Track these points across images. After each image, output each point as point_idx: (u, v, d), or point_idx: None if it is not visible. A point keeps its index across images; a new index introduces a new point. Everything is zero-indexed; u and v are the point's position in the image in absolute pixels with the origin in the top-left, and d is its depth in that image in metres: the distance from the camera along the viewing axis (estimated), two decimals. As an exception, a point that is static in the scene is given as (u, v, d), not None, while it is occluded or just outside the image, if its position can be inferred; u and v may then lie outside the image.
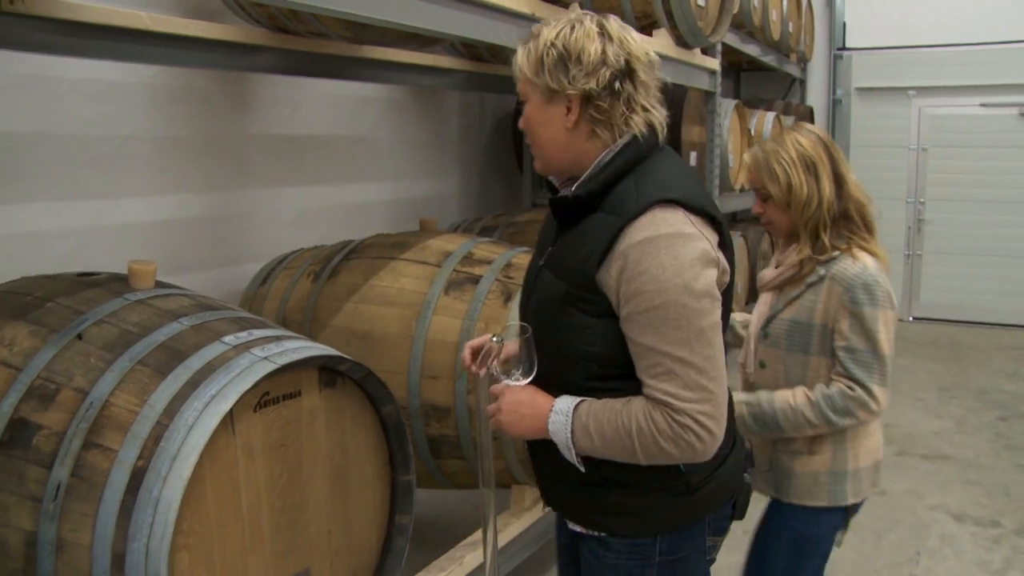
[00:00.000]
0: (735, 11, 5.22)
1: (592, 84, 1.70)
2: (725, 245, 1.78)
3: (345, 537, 2.40)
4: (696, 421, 1.66)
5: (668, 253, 1.64)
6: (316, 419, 2.26)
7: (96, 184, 3.67)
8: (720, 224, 1.77)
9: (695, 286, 1.65)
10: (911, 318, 9.16)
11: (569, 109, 1.73)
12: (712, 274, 1.70)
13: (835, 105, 9.61)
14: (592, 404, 1.74)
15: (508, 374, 1.82)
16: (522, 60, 1.78)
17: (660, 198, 1.69)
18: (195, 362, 2.07)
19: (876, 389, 2.31)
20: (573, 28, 1.72)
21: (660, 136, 1.80)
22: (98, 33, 2.98)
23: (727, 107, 6.24)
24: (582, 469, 1.80)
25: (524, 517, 3.49)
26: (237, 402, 1.99)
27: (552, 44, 1.72)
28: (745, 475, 1.96)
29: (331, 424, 2.31)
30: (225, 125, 4.21)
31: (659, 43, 4.42)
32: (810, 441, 2.41)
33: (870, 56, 9.40)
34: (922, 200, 9.13)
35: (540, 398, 1.80)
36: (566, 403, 1.77)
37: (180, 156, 4.00)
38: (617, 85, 1.71)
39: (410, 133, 5.40)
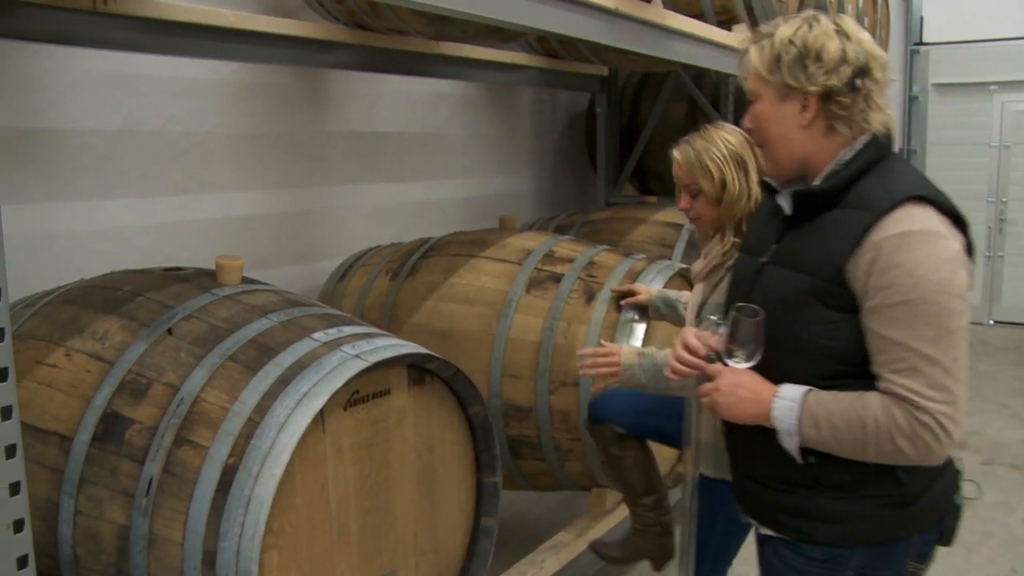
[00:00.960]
0: (814, 6, 5.08)
1: (833, 81, 1.71)
2: (970, 248, 1.76)
3: (431, 538, 2.35)
4: (937, 421, 1.62)
5: (923, 250, 1.64)
6: (404, 418, 2.22)
7: (178, 180, 3.68)
8: (967, 227, 1.75)
9: (950, 285, 1.63)
10: (991, 321, 8.87)
11: (804, 107, 1.75)
12: (964, 276, 1.68)
13: (911, 102, 9.36)
14: (821, 394, 1.71)
15: (729, 355, 1.79)
16: (756, 58, 1.79)
17: (912, 195, 1.68)
18: (285, 359, 2.03)
19: None
20: (811, 26, 1.74)
21: (892, 136, 1.82)
22: (184, 31, 2.98)
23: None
24: (800, 460, 1.75)
25: (604, 521, 3.42)
26: (328, 400, 1.95)
27: (790, 42, 1.74)
28: (956, 496, 1.87)
29: (419, 423, 2.27)
30: (302, 121, 4.21)
31: (737, 38, 4.31)
32: None
33: (949, 51, 9.14)
34: (1004, 199, 8.84)
35: (762, 383, 1.77)
36: (793, 390, 1.73)
37: (259, 152, 4.00)
38: (858, 82, 1.73)
39: (483, 130, 5.35)
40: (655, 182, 5.77)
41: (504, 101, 5.52)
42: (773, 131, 1.79)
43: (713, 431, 2.49)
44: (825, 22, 1.75)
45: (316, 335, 2.12)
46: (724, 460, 2.41)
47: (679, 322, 3.00)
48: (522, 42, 4.95)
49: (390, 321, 3.48)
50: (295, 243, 4.20)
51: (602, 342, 2.49)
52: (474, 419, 2.42)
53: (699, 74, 5.54)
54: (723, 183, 2.37)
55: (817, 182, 1.78)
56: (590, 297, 3.17)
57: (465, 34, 3.53)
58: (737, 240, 2.38)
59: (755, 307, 1.76)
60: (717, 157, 2.38)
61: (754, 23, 4.45)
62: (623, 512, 3.55)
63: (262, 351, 2.06)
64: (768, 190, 1.93)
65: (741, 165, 2.38)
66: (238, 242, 3.93)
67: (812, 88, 1.72)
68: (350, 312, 3.65)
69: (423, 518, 2.32)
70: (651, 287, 3.12)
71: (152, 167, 3.57)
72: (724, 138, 2.41)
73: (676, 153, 2.48)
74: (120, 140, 3.45)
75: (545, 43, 4.87)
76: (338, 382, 1.95)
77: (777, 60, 1.75)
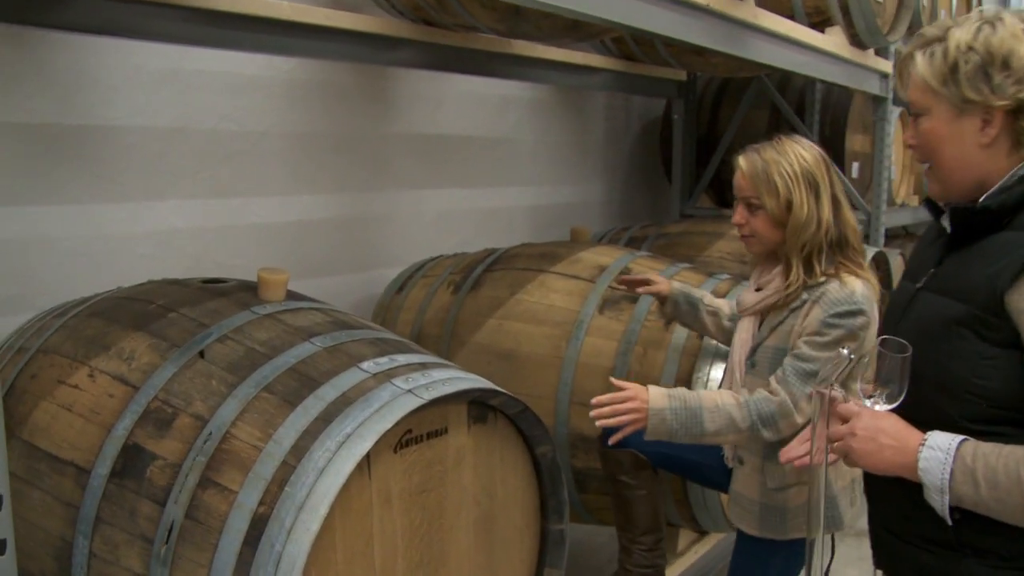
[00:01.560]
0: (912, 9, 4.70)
1: None
2: None
3: (488, 594, 2.07)
4: None
5: None
6: (463, 460, 1.94)
7: (230, 182, 3.46)
8: None
9: None
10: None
11: (986, 122, 1.50)
12: None
13: None
14: (980, 446, 1.43)
15: (867, 395, 1.55)
16: (923, 68, 1.54)
17: None
18: (328, 391, 1.76)
19: (805, 404, 2.10)
20: (994, 27, 1.49)
21: None
22: (239, 23, 2.74)
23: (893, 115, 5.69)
24: (949, 521, 1.46)
25: (676, 563, 3.11)
26: (375, 442, 1.67)
27: (970, 48, 1.49)
28: None
29: (479, 466, 1.98)
30: (363, 122, 3.96)
31: (832, 41, 3.96)
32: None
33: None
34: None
35: (906, 429, 1.50)
36: (944, 439, 1.46)
37: (316, 154, 3.76)
38: None
39: (554, 136, 5.06)
40: (732, 194, 5.42)
41: (576, 106, 5.22)
42: (946, 151, 1.54)
43: (756, 486, 2.23)
44: (1011, 22, 1.48)
45: (365, 365, 1.85)
46: (770, 516, 2.21)
47: (697, 326, 2.69)
48: (596, 43, 4.67)
49: (451, 339, 3.21)
50: (351, 250, 3.95)
51: (617, 382, 2.17)
52: (541, 460, 2.13)
53: (783, 80, 5.20)
54: (789, 203, 2.14)
55: (984, 198, 1.50)
56: (670, 320, 2.86)
57: (540, 31, 3.25)
58: (807, 279, 2.16)
59: (902, 342, 1.50)
60: (787, 173, 2.14)
61: (849, 25, 4.10)
62: (696, 555, 3.24)
63: (303, 382, 1.80)
64: (933, 210, 1.66)
65: (812, 187, 2.15)
66: (291, 248, 3.69)
67: (999, 102, 1.46)
68: (408, 327, 3.38)
69: (479, 571, 2.03)
70: (672, 280, 2.78)
71: (203, 168, 3.35)
72: (799, 153, 2.17)
73: (741, 161, 2.24)
74: (171, 139, 3.24)
75: (622, 44, 4.58)
76: (387, 422, 1.67)
77: (953, 69, 1.49)
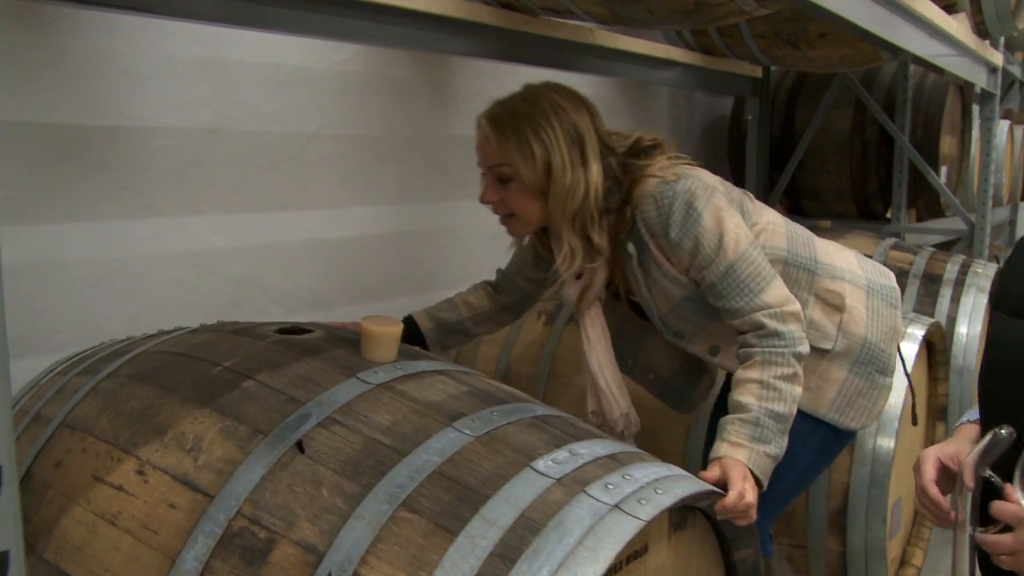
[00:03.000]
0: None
1: None
2: None
3: None
4: None
5: None
6: (665, 588, 1.37)
7: (276, 192, 2.88)
8: None
9: None
10: None
11: None
12: None
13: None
14: None
15: None
16: None
17: None
18: (501, 510, 1.18)
19: (770, 295, 1.73)
20: None
21: None
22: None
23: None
24: None
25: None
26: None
27: None
28: None
29: (679, 591, 1.41)
30: (423, 123, 3.38)
31: (956, 28, 3.41)
32: None
33: None
34: None
35: None
36: None
37: (372, 159, 3.18)
38: None
39: (619, 137, 4.50)
40: (809, 201, 4.86)
41: (640, 105, 4.65)
42: None
43: None
44: None
45: (540, 464, 1.27)
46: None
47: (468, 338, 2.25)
48: (672, 35, 4.12)
49: (548, 379, 2.63)
50: (413, 269, 3.37)
51: (707, 474, 1.60)
52: (739, 566, 1.57)
53: (867, 77, 4.64)
54: (548, 167, 1.71)
55: None
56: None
57: (651, 15, 2.65)
58: (587, 246, 1.78)
59: None
60: (543, 128, 1.71)
61: (976, 12, 3.55)
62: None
63: (459, 494, 1.22)
64: None
65: (576, 141, 1.73)
66: (345, 268, 3.12)
67: None
68: (492, 364, 2.81)
69: None
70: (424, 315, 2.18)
71: (245, 176, 2.77)
72: (555, 102, 1.75)
73: (484, 120, 1.81)
74: (208, 142, 2.66)
75: (703, 36, 4.02)
76: (600, 562, 1.10)
77: None
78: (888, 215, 4.71)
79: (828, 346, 1.86)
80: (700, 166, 1.87)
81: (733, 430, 1.66)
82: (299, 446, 1.31)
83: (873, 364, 1.90)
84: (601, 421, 1.92)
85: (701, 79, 4.20)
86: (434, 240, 3.46)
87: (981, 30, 3.62)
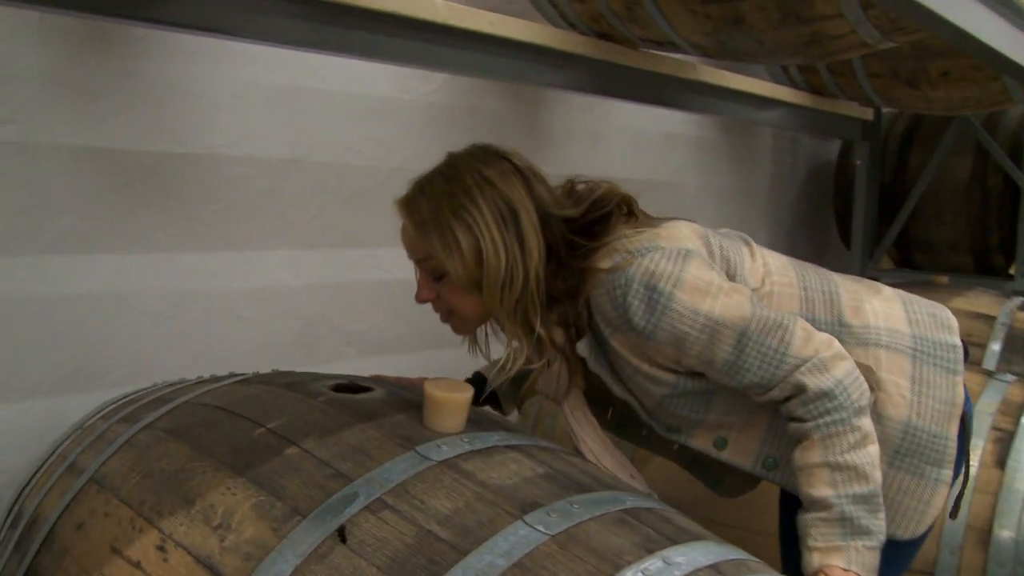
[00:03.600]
0: None
1: None
2: None
3: None
4: None
5: None
6: None
7: (353, 227, 2.71)
8: None
9: None
10: None
11: None
12: None
13: None
14: None
15: None
16: None
17: None
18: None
19: (800, 348, 1.40)
20: None
21: None
22: (378, 24, 2.01)
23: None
24: None
25: None
26: None
27: None
28: None
29: None
30: (512, 159, 3.19)
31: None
32: None
33: None
34: None
35: None
36: None
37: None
38: None
39: (720, 180, 4.23)
40: (921, 254, 4.51)
41: (741, 147, 4.38)
42: None
43: None
44: None
45: (631, 573, 1.03)
46: None
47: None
48: (778, 71, 3.86)
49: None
50: (493, 314, 3.17)
51: None
52: None
53: (991, 120, 4.29)
54: (478, 255, 1.41)
55: None
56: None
57: (760, 48, 2.42)
58: (534, 339, 1.45)
59: None
60: (468, 210, 1.41)
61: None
62: None
63: (527, 612, 0.99)
64: None
65: (509, 220, 1.42)
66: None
67: None
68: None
69: None
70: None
71: (321, 210, 2.61)
72: (480, 175, 1.45)
73: (399, 207, 1.51)
74: (283, 173, 2.50)
75: (811, 75, 3.75)
76: None
77: None
78: (1011, 271, 4.32)
79: None
80: (674, 219, 1.57)
81: (819, 534, 1.37)
82: (341, 533, 1.09)
83: (921, 455, 1.51)
84: None
85: (807, 120, 3.92)
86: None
87: None
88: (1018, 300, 3.46)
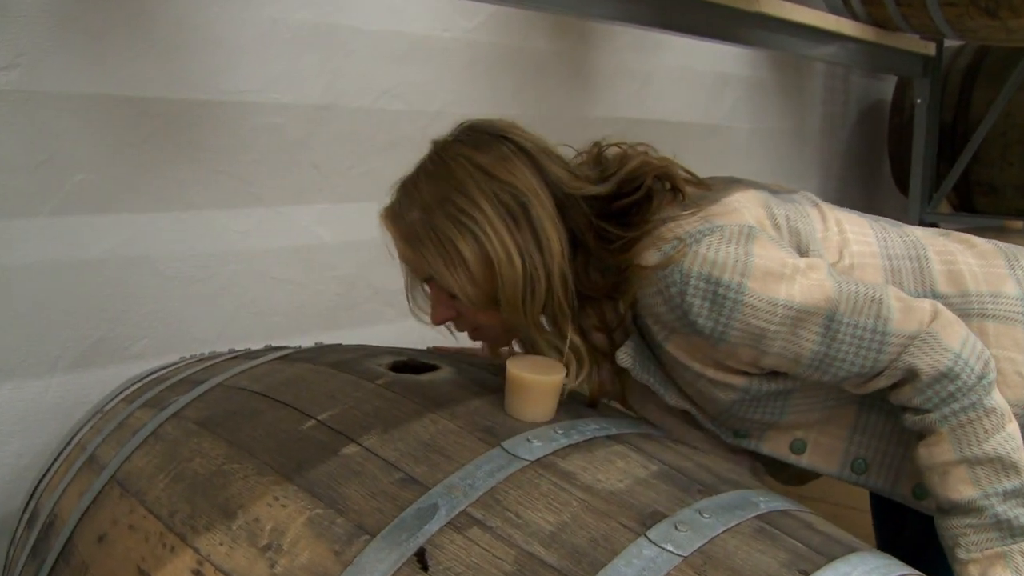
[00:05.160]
0: None
1: None
2: None
3: None
4: None
5: None
6: None
7: (393, 178, 2.43)
8: None
9: None
10: None
11: None
12: None
13: None
14: None
15: None
16: None
17: None
18: None
19: (902, 322, 1.12)
20: None
21: None
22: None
23: None
24: None
25: None
26: None
27: None
28: None
29: None
30: (561, 103, 2.92)
31: None
32: None
33: None
34: None
35: None
36: None
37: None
38: None
39: (771, 122, 3.94)
40: (983, 197, 4.20)
41: (794, 87, 4.08)
42: None
43: None
44: None
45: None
46: None
47: None
48: (839, 5, 3.55)
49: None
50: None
51: None
52: None
53: (1061, 53, 3.96)
54: (487, 262, 1.14)
55: None
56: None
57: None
58: (588, 342, 1.19)
59: None
60: (466, 212, 1.14)
61: None
62: None
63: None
64: None
65: (519, 213, 1.15)
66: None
67: None
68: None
69: None
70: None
71: (359, 160, 2.36)
72: (473, 164, 1.17)
73: (386, 223, 1.27)
74: (317, 120, 2.25)
75: (874, 7, 3.44)
76: None
77: None
78: (1083, 215, 4.03)
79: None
80: (728, 185, 1.27)
81: (972, 543, 1.10)
82: (420, 559, 0.86)
83: None
84: None
85: (866, 55, 3.61)
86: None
87: None
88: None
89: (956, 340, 1.12)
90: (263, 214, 2.17)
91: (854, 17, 3.49)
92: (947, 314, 1.15)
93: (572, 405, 1.14)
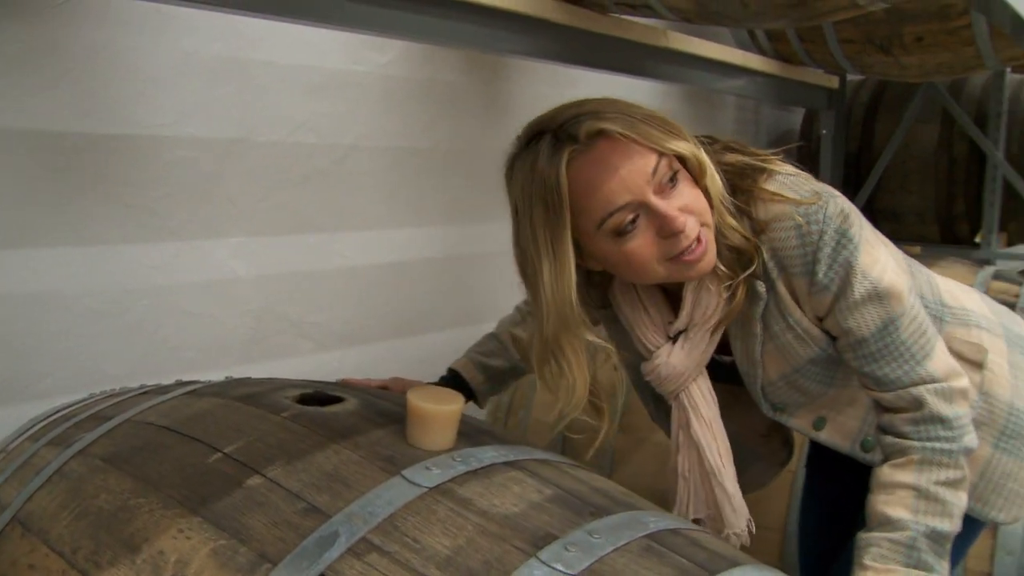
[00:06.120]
0: None
1: None
2: None
3: None
4: None
5: None
6: None
7: (307, 211, 2.49)
8: None
9: None
10: None
11: None
12: None
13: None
14: None
15: None
16: None
17: None
18: None
19: (936, 364, 1.27)
20: None
21: None
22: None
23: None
24: None
25: None
26: None
27: None
28: None
29: None
30: (475, 135, 2.98)
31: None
32: None
33: None
34: None
35: None
36: None
37: (417, 174, 2.78)
38: None
39: (683, 153, 4.07)
40: (888, 223, 4.39)
41: (706, 119, 4.23)
42: None
43: None
44: None
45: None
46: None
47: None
48: (748, 41, 3.70)
49: (617, 437, 2.22)
50: (461, 298, 2.97)
51: None
52: None
53: (955, 87, 4.18)
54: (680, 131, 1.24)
55: None
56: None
57: (745, 11, 2.23)
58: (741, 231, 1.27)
59: None
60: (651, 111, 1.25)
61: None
62: None
63: None
64: None
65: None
66: (385, 297, 2.72)
67: None
68: (551, 414, 2.39)
69: None
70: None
71: (273, 193, 2.38)
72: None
73: (606, 125, 1.20)
74: (230, 154, 2.27)
75: (780, 43, 3.60)
76: None
77: None
78: (977, 239, 4.23)
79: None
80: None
81: (879, 553, 1.21)
82: (321, 586, 0.90)
83: (1021, 437, 1.44)
84: (714, 533, 1.42)
85: (774, 89, 3.76)
86: (484, 266, 3.05)
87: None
88: (991, 269, 3.35)
89: (963, 407, 1.28)
90: (177, 248, 2.18)
91: (761, 52, 3.64)
92: (968, 387, 1.30)
93: (473, 433, 1.19)
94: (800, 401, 1.41)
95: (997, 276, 3.32)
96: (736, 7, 2.21)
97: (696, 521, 1.39)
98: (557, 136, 1.22)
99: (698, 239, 1.21)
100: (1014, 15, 2.12)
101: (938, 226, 4.25)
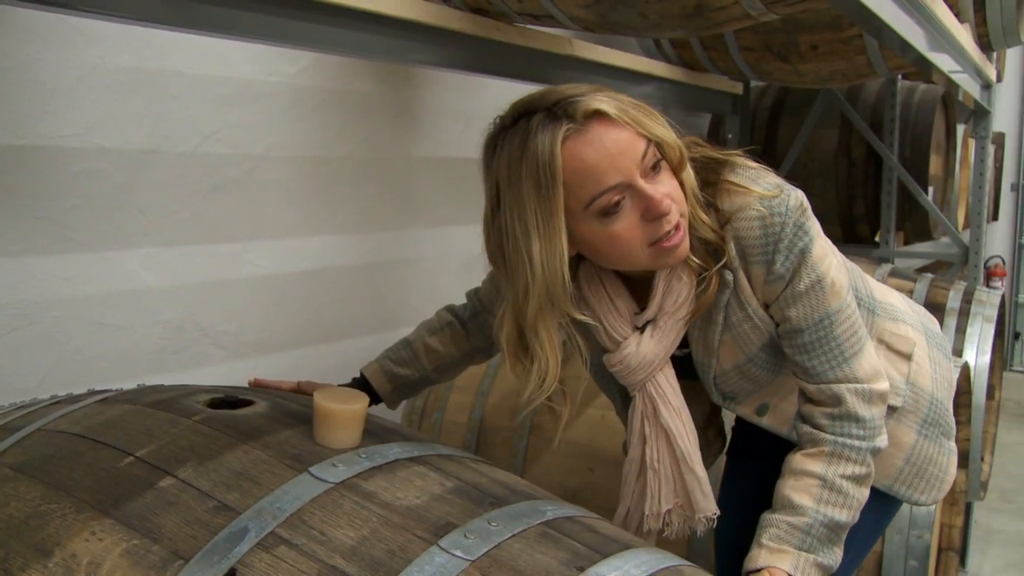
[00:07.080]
0: None
1: None
2: None
3: None
4: None
5: None
6: None
7: (219, 221, 2.51)
8: None
9: None
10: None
11: None
12: None
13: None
14: None
15: None
16: None
17: None
18: None
19: (862, 365, 1.37)
20: None
21: None
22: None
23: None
24: None
25: None
26: None
27: None
28: None
29: None
30: (387, 143, 3.04)
31: (965, 39, 3.14)
32: None
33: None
34: None
35: None
36: None
37: (328, 183, 2.82)
38: None
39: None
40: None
41: (616, 123, 4.34)
42: None
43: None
44: None
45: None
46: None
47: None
48: (653, 48, 3.82)
49: (530, 435, 2.29)
50: (374, 305, 3.02)
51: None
52: None
53: (852, 93, 4.38)
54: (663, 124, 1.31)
55: None
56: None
57: (644, 21, 2.33)
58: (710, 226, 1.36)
59: None
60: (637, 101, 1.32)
61: (980, 23, 3.29)
62: None
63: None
64: None
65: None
66: (298, 305, 2.76)
67: None
68: (465, 414, 2.46)
69: None
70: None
71: (183, 204, 2.40)
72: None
73: (602, 106, 1.24)
74: (140, 165, 2.29)
75: (684, 50, 3.73)
76: None
77: None
78: (876, 239, 4.44)
79: (898, 402, 1.52)
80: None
81: (776, 534, 1.32)
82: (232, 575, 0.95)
83: (939, 426, 1.57)
84: (680, 523, 1.46)
85: (680, 95, 3.90)
86: (398, 272, 3.11)
87: (983, 42, 3.36)
88: (888, 267, 3.53)
89: (880, 411, 1.38)
90: (87, 259, 2.19)
91: (667, 59, 3.77)
92: (887, 392, 1.40)
93: (380, 432, 1.25)
94: (748, 389, 1.50)
95: (893, 273, 3.51)
96: (635, 18, 2.32)
97: (667, 513, 1.45)
98: (552, 113, 1.25)
99: (676, 226, 1.27)
100: (901, 39, 2.27)
101: (840, 226, 4.44)
